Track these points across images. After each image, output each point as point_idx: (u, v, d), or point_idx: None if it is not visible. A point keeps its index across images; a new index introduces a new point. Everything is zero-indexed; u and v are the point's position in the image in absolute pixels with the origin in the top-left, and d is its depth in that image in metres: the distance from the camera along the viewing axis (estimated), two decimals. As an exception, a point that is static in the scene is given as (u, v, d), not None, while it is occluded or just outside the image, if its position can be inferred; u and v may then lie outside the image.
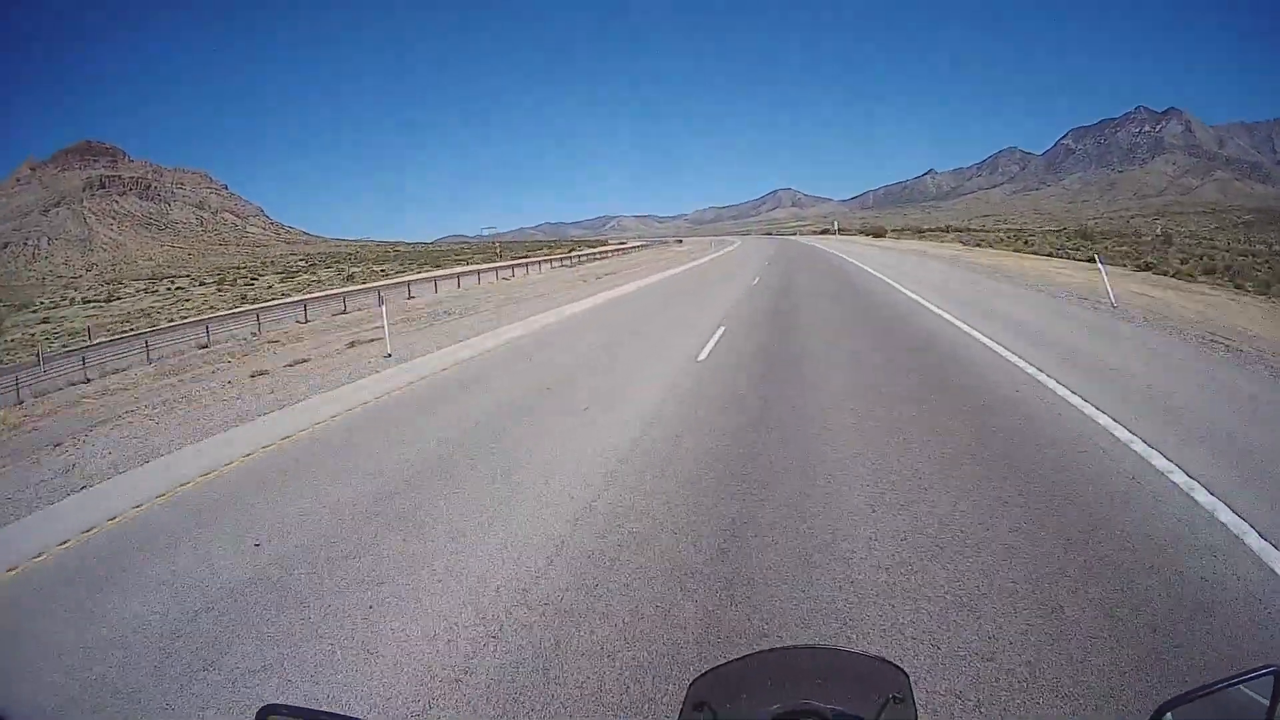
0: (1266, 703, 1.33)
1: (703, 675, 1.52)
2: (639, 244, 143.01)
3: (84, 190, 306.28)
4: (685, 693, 1.45)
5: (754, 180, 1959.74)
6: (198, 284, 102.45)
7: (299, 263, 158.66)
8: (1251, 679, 1.37)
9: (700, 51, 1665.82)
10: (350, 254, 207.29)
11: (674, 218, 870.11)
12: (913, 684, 1.49)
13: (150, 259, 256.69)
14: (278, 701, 3.46)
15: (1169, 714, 1.40)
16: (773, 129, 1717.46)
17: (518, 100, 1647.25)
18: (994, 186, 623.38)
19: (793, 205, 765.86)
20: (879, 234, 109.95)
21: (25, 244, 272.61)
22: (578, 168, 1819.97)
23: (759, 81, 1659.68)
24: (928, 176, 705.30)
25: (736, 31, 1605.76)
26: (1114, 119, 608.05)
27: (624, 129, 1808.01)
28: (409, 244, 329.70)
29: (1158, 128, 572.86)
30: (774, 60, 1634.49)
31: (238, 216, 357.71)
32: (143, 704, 4.32)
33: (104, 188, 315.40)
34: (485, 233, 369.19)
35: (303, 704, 4.04)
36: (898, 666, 1.51)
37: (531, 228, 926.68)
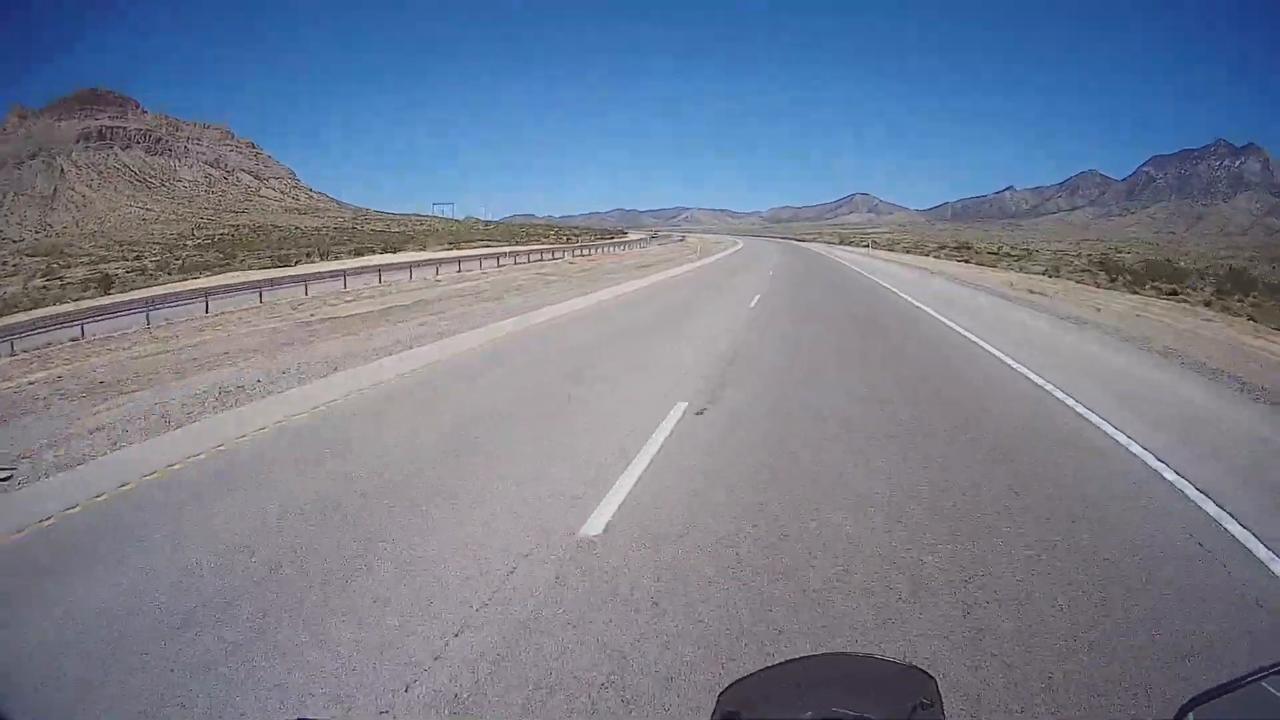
0: None
1: (731, 685, 1.42)
2: (639, 237, 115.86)
3: (77, 142, 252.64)
4: (715, 703, 1.37)
5: (831, 183, 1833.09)
6: None
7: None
8: (1274, 674, 1.29)
9: (785, 50, 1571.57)
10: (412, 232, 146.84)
11: (749, 214, 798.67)
12: (941, 689, 1.40)
13: (98, 222, 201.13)
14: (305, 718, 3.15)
15: (1191, 714, 1.31)
16: (853, 133, 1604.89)
17: (596, 85, 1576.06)
18: (1074, 209, 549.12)
19: (869, 211, 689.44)
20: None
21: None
22: (655, 156, 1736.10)
23: (842, 84, 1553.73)
24: (1006, 193, 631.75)
25: (820, 33, 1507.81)
26: (1194, 150, 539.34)
27: (704, 122, 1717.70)
28: (485, 222, 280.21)
29: (1237, 164, 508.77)
30: (858, 65, 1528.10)
31: (255, 177, 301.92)
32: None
33: (104, 139, 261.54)
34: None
35: None
36: (926, 672, 1.43)
37: (605, 212, 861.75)
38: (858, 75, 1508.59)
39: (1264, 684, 1.27)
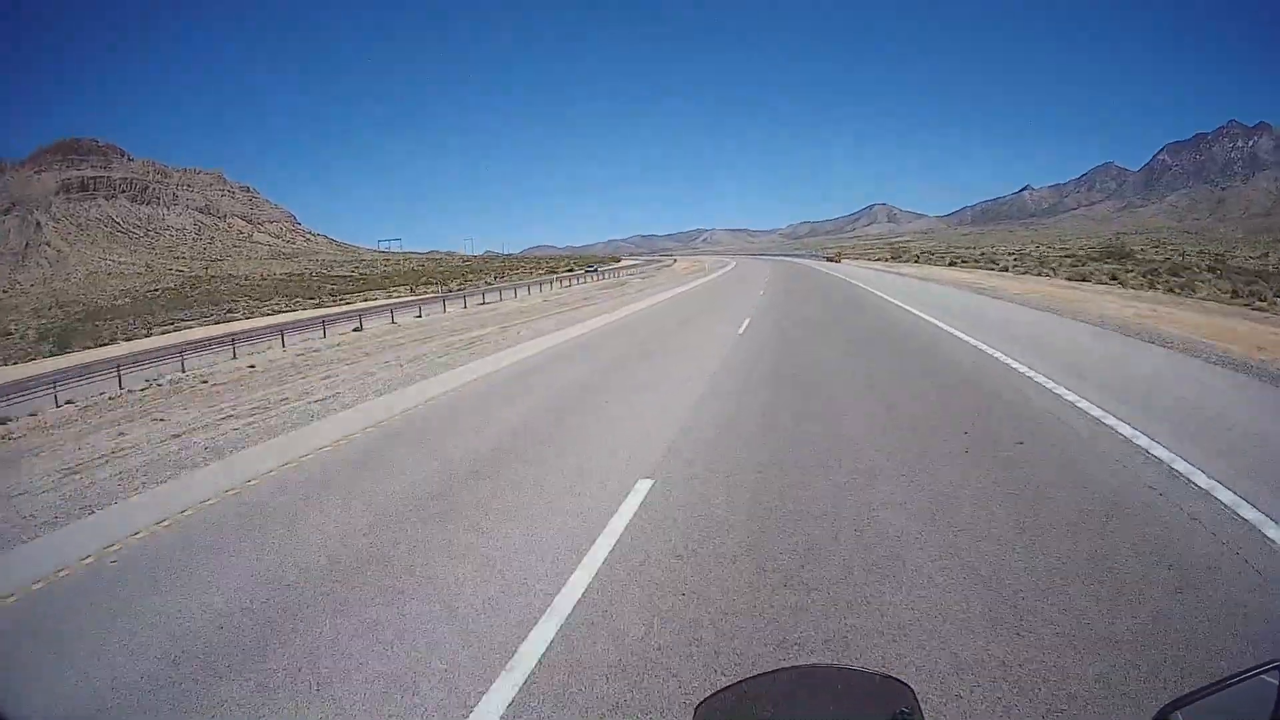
0: (1274, 696, 1.18)
1: (708, 698, 1.37)
2: (633, 262, 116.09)
3: (57, 194, 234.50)
4: (692, 716, 1.32)
5: (849, 195, 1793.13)
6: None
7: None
8: (1258, 674, 1.22)
9: (797, 67, 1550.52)
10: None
11: (768, 231, 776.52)
12: (919, 698, 1.32)
13: (66, 278, 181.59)
14: None
15: (1174, 715, 1.25)
16: (869, 144, 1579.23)
17: (613, 113, 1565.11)
18: (1093, 203, 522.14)
19: (888, 221, 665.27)
20: None
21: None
22: (673, 181, 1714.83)
23: (854, 96, 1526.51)
24: (1025, 192, 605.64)
25: (832, 48, 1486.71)
26: (1207, 134, 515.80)
27: (719, 143, 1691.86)
28: (501, 255, 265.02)
29: (1250, 143, 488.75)
30: (870, 75, 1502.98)
31: (248, 222, 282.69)
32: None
33: (85, 189, 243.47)
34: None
35: None
36: (903, 682, 1.36)
37: (624, 239, 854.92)
38: (870, 86, 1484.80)
39: (1248, 683, 1.21)
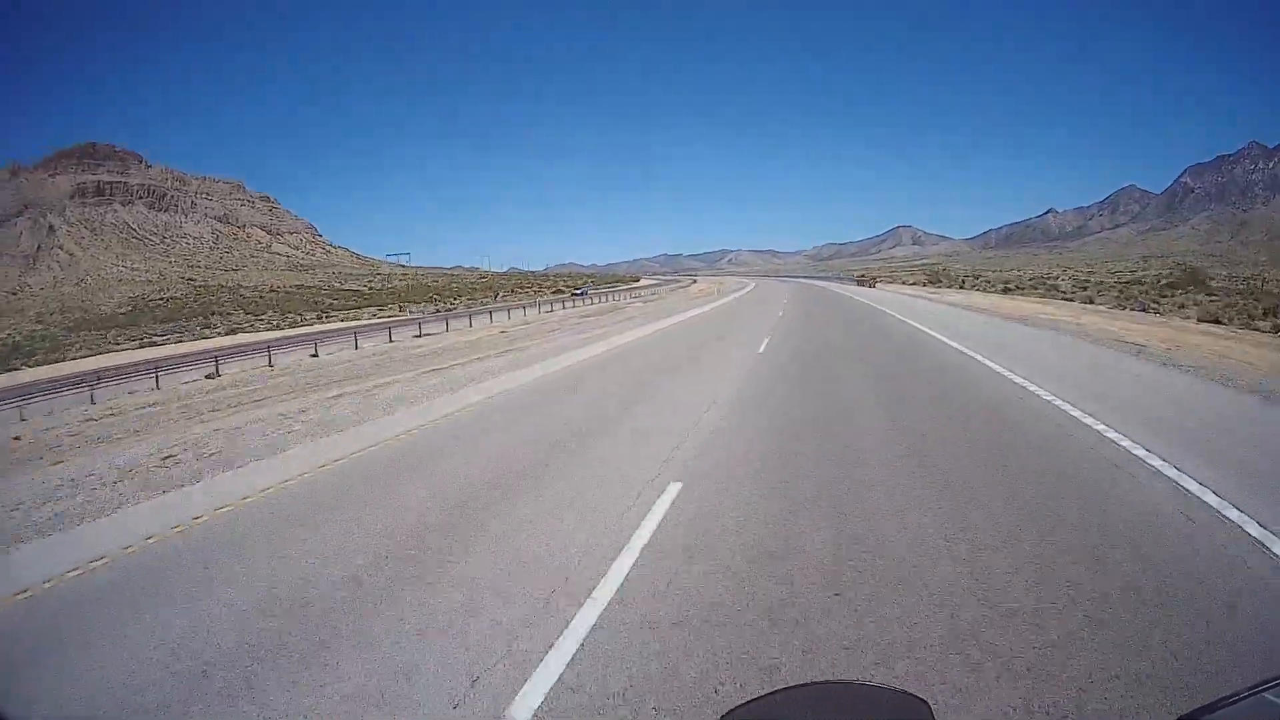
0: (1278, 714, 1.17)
1: (728, 714, 1.37)
2: (651, 282, 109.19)
3: (71, 198, 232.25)
4: None
5: (874, 217, 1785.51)
6: None
7: None
8: (1262, 691, 1.20)
9: (824, 91, 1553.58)
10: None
11: (793, 253, 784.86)
12: (934, 713, 1.34)
13: (76, 283, 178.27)
14: None
15: None
16: (894, 167, 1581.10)
17: (642, 135, 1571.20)
18: (1117, 226, 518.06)
19: (913, 243, 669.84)
20: None
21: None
22: (699, 202, 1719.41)
23: (881, 120, 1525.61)
24: (1049, 215, 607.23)
25: (859, 73, 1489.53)
26: (1229, 155, 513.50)
27: (746, 164, 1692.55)
28: (523, 272, 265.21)
29: (1271, 164, 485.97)
30: (895, 99, 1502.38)
31: (268, 233, 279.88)
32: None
33: (101, 194, 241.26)
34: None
35: None
36: (919, 698, 1.38)
37: (648, 259, 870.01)
38: (895, 109, 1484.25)
39: (1264, 696, 1.18)
